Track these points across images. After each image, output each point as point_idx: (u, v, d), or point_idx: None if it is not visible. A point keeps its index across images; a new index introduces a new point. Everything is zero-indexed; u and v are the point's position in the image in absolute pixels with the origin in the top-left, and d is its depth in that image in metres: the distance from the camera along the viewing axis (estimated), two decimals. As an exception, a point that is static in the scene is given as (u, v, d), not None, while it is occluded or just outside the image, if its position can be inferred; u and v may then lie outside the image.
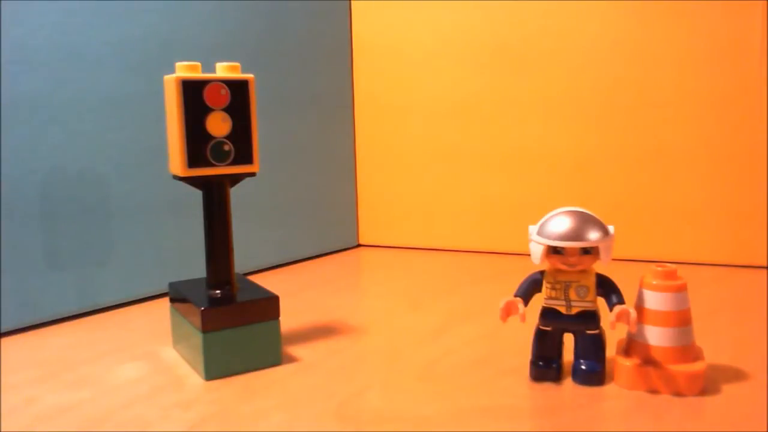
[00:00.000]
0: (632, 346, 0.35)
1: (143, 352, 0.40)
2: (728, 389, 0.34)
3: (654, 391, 0.33)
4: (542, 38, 0.61)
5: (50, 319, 0.46)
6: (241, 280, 0.40)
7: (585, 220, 0.33)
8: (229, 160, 0.37)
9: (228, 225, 0.38)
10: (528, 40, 0.62)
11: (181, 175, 0.36)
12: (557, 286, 0.34)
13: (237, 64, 0.37)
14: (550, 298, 0.34)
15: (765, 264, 0.57)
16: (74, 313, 0.47)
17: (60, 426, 0.31)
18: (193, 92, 0.35)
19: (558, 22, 0.61)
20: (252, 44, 0.57)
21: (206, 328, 0.35)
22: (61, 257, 0.46)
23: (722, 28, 0.56)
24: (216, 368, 0.36)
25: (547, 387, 0.35)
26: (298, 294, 0.39)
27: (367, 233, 0.70)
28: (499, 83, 0.63)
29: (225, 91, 0.36)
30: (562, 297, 0.34)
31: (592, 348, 0.35)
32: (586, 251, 0.33)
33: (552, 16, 0.61)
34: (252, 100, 0.37)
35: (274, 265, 0.61)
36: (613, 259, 0.33)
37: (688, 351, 0.34)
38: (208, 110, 0.36)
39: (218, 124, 0.36)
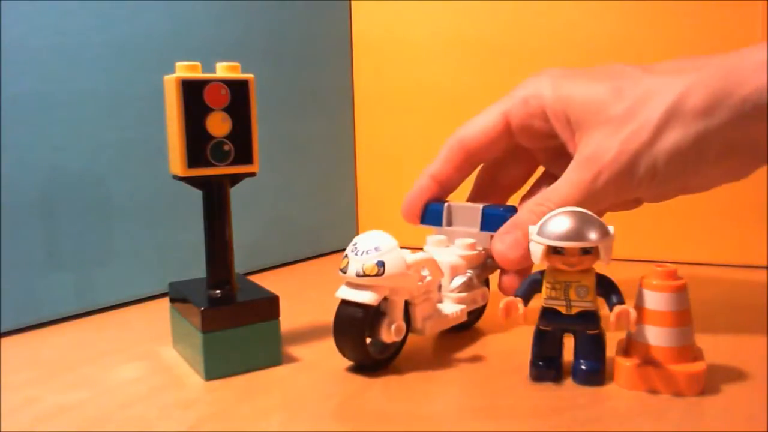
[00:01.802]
0: (632, 346, 0.35)
1: (143, 352, 0.40)
2: (728, 389, 0.34)
3: (654, 391, 0.33)
4: (544, 37, 0.61)
5: (50, 319, 0.46)
6: (241, 280, 0.40)
7: (585, 220, 0.33)
8: (229, 160, 0.37)
9: (228, 225, 0.38)
10: (529, 38, 0.62)
11: (181, 175, 0.36)
12: (557, 286, 0.34)
13: (237, 64, 0.37)
14: (550, 298, 0.34)
15: (765, 264, 0.57)
16: (74, 313, 0.47)
17: (60, 426, 0.31)
18: (193, 92, 0.35)
19: (559, 21, 0.61)
20: (252, 44, 0.57)
21: (206, 328, 0.35)
22: (61, 257, 0.46)
23: (722, 28, 0.56)
24: (216, 368, 0.36)
25: (547, 387, 0.35)
26: (298, 294, 0.39)
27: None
28: (501, 82, 0.63)
29: (225, 91, 0.36)
30: (562, 297, 0.34)
31: (593, 348, 0.35)
32: (586, 251, 0.33)
33: (553, 15, 0.61)
34: (252, 100, 0.37)
35: (274, 265, 0.61)
36: (613, 259, 0.33)
37: (688, 351, 0.34)
38: (208, 110, 0.36)
39: (218, 124, 0.36)
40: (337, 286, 0.36)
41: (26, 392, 0.35)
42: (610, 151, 0.37)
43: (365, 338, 0.35)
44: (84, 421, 0.32)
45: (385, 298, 0.35)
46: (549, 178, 0.40)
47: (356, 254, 0.35)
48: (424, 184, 0.44)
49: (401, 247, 0.35)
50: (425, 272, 0.37)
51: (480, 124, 0.43)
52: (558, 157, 0.42)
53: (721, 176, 0.39)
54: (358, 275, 0.34)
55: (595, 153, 0.37)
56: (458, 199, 0.45)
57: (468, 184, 0.46)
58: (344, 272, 0.35)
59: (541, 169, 0.46)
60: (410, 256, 0.36)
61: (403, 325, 0.36)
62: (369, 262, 0.34)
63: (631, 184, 0.37)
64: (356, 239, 0.36)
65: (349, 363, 0.37)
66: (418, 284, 0.37)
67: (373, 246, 0.35)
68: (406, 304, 0.37)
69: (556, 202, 0.37)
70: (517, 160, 0.45)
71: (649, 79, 0.37)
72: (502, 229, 0.39)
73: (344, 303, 0.36)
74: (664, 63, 0.39)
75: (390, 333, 0.35)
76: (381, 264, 0.34)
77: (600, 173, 0.37)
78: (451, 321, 0.39)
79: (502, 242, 0.38)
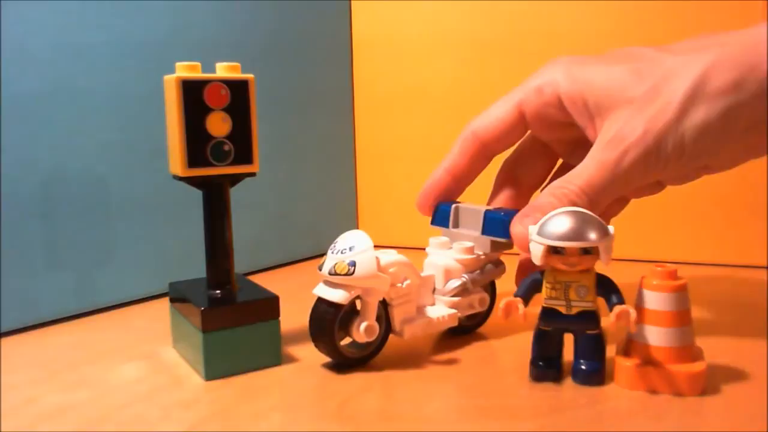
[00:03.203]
0: (632, 346, 0.35)
1: (143, 352, 0.40)
2: (728, 389, 0.34)
3: (654, 391, 0.33)
4: (544, 37, 0.61)
5: (50, 319, 0.46)
6: (241, 280, 0.40)
7: (585, 220, 0.33)
8: (229, 160, 0.37)
9: (228, 225, 0.38)
10: (529, 38, 0.62)
11: (181, 175, 0.36)
12: (557, 286, 0.34)
13: (237, 64, 0.37)
14: (550, 298, 0.34)
15: (765, 264, 0.57)
16: (74, 313, 0.47)
17: (60, 426, 0.31)
18: (193, 92, 0.35)
19: (559, 20, 0.61)
20: (252, 44, 0.57)
21: (206, 328, 0.35)
22: (61, 257, 0.46)
23: (722, 28, 0.56)
24: (216, 368, 0.36)
25: (547, 387, 0.35)
26: (298, 294, 0.39)
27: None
28: (501, 82, 0.63)
29: (225, 91, 0.36)
30: (562, 297, 0.34)
31: (593, 348, 0.35)
32: (586, 251, 0.33)
33: (553, 15, 0.61)
34: (252, 100, 0.37)
35: (274, 265, 0.61)
36: (613, 259, 0.33)
37: (688, 351, 0.34)
38: (208, 110, 0.36)
39: (218, 124, 0.36)
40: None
41: (26, 392, 0.35)
42: (636, 131, 0.36)
43: (335, 335, 0.36)
44: (84, 421, 0.32)
45: (360, 298, 0.36)
46: (567, 170, 0.40)
47: (333, 253, 0.36)
48: (438, 176, 0.44)
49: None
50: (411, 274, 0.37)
51: (493, 115, 0.42)
52: (576, 148, 0.42)
53: (744, 153, 0.38)
54: (330, 273, 0.35)
55: (620, 133, 0.36)
56: (475, 197, 0.44)
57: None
58: (320, 269, 0.36)
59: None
60: (384, 258, 0.36)
61: (375, 325, 0.36)
62: (341, 262, 0.35)
63: (658, 163, 0.36)
64: (338, 238, 0.36)
65: (349, 363, 0.38)
66: (398, 286, 0.37)
67: (348, 245, 0.35)
68: (386, 305, 0.37)
69: (579, 185, 0.37)
70: (536, 157, 0.45)
71: (668, 59, 0.37)
72: (522, 211, 0.38)
73: (319, 300, 0.36)
74: (681, 43, 0.38)
75: (360, 333, 0.36)
76: (352, 264, 0.34)
77: (626, 153, 0.36)
78: (435, 325, 0.39)
79: (522, 224, 0.37)
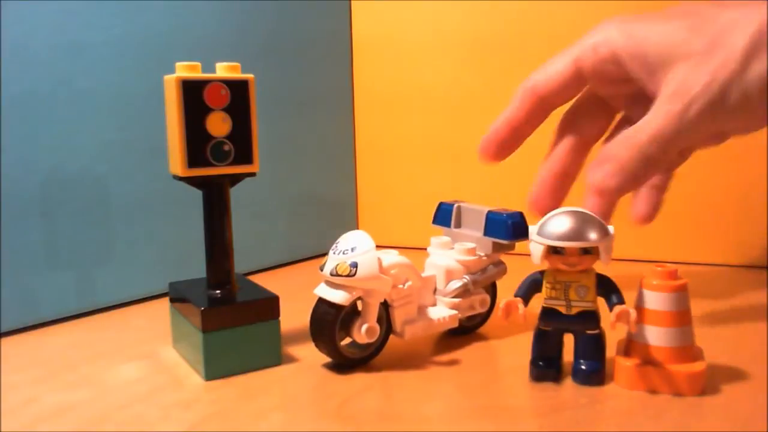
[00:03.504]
0: (632, 346, 0.35)
1: (143, 352, 0.40)
2: (728, 389, 0.34)
3: (654, 391, 0.33)
4: (545, 36, 0.61)
5: (50, 319, 0.46)
6: (241, 280, 0.40)
7: (585, 220, 0.33)
8: (229, 160, 0.37)
9: (228, 225, 0.38)
10: (529, 38, 0.62)
11: (181, 175, 0.36)
12: (557, 286, 0.34)
13: (237, 64, 0.37)
14: (550, 298, 0.34)
15: (765, 264, 0.57)
16: (74, 313, 0.47)
17: (60, 426, 0.31)
18: (193, 92, 0.35)
19: (559, 19, 0.61)
20: (252, 44, 0.57)
21: (206, 328, 0.35)
22: (61, 257, 0.46)
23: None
24: (216, 368, 0.36)
25: (547, 387, 0.35)
26: (298, 294, 0.39)
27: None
28: (502, 81, 0.63)
29: (225, 91, 0.36)
30: (562, 297, 0.34)
31: (593, 348, 0.35)
32: (586, 251, 0.33)
33: (554, 14, 0.61)
34: (252, 100, 0.37)
35: (274, 265, 0.61)
36: (613, 259, 0.33)
37: (688, 351, 0.34)
38: (208, 110, 0.36)
39: (218, 124, 0.36)
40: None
41: (26, 392, 0.35)
42: (699, 82, 0.36)
43: (336, 336, 0.36)
44: (84, 421, 0.32)
45: (361, 299, 0.36)
46: (628, 123, 0.40)
47: (335, 253, 0.36)
48: (498, 126, 0.43)
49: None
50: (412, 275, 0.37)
51: (552, 69, 0.42)
52: (636, 101, 0.42)
53: None
54: (332, 274, 0.35)
55: (684, 85, 0.36)
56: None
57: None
58: (322, 270, 0.36)
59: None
60: (386, 259, 0.36)
61: (376, 326, 0.36)
62: (343, 263, 0.35)
63: (724, 113, 0.36)
64: (340, 238, 0.36)
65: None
66: (399, 287, 0.37)
67: (350, 246, 0.35)
68: (387, 306, 0.37)
69: (648, 134, 0.37)
70: (596, 109, 0.44)
71: (723, 14, 0.37)
72: (595, 161, 0.38)
73: (320, 301, 0.36)
74: None
75: (361, 334, 0.36)
76: (354, 265, 0.34)
77: (691, 104, 0.36)
78: (436, 326, 0.39)
79: (601, 172, 0.37)
